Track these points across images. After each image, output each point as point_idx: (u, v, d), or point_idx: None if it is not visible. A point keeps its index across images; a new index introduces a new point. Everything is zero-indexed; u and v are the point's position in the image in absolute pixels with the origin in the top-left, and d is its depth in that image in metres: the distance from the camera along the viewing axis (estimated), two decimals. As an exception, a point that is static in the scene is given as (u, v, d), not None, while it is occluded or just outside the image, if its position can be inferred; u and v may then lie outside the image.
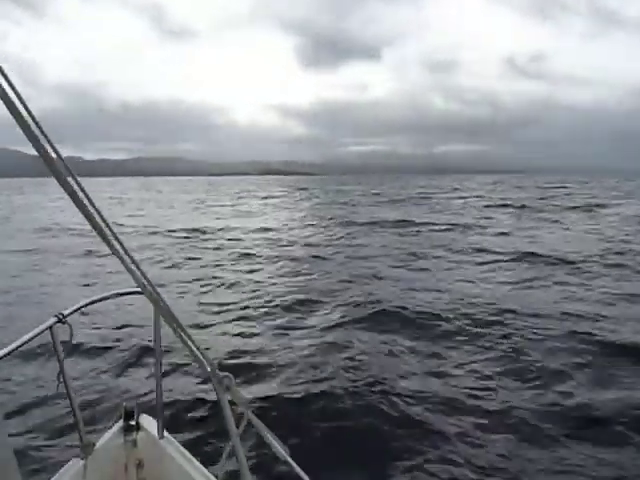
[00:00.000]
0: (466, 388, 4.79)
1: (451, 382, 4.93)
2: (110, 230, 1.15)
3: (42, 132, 0.99)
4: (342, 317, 7.10)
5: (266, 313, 7.52)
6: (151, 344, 2.73)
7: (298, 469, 1.51)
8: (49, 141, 0.99)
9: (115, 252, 1.13)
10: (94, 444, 2.20)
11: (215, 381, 1.41)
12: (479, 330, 6.40)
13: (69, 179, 0.99)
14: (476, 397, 4.61)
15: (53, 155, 0.99)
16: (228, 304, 8.08)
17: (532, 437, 3.95)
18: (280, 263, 12.11)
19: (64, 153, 1.05)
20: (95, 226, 1.05)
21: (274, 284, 9.60)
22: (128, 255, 1.20)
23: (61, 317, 2.00)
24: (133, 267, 1.21)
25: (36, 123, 0.97)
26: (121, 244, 1.17)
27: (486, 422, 4.14)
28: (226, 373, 1.41)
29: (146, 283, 1.27)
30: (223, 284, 9.70)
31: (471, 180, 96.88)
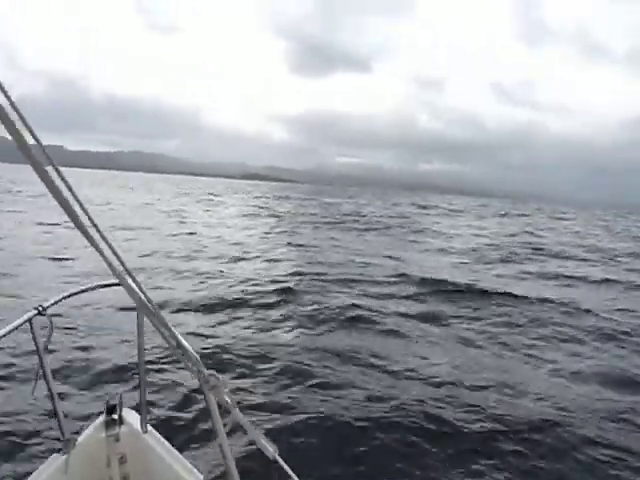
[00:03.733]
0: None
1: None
2: (92, 222, 1.10)
3: (20, 116, 0.94)
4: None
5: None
6: (134, 338, 2.48)
7: (287, 467, 1.49)
8: (27, 126, 0.95)
9: (95, 245, 1.07)
10: (76, 439, 2.16)
11: (201, 379, 1.37)
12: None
13: (48, 168, 0.94)
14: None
15: (32, 141, 0.96)
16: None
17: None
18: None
19: (44, 141, 1.01)
20: (72, 216, 0.98)
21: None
22: (111, 248, 1.14)
23: (41, 309, 1.97)
24: (114, 260, 1.16)
25: (13, 106, 0.92)
26: (101, 233, 1.12)
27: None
28: (212, 371, 1.38)
29: (127, 277, 1.23)
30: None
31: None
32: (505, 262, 15.24)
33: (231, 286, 9.32)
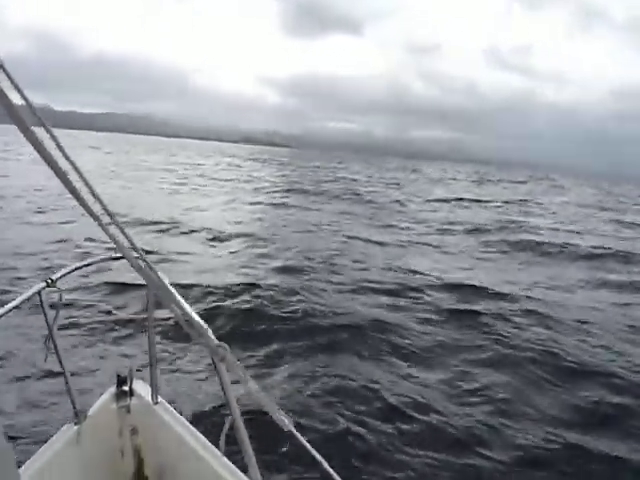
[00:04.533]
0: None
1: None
2: (90, 189, 1.03)
3: (9, 76, 0.87)
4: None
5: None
6: (143, 309, 2.58)
7: (302, 439, 1.46)
8: (15, 84, 0.88)
9: (94, 215, 0.99)
10: (87, 411, 2.18)
11: (210, 350, 1.32)
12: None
13: (37, 128, 0.86)
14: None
15: (19, 101, 0.87)
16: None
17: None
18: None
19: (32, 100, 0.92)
20: (67, 183, 0.89)
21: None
22: (112, 218, 1.07)
23: (50, 282, 1.95)
24: (116, 231, 1.09)
25: (1, 66, 0.86)
26: (104, 206, 1.05)
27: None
28: (221, 342, 1.31)
29: (131, 248, 1.16)
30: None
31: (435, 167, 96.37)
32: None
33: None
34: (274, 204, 19.26)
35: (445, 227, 16.62)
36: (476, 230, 16.16)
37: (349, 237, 12.85)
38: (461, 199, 27.30)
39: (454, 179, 51.18)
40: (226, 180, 29.66)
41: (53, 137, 0.95)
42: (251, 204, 18.53)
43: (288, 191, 25.03)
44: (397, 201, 24.65)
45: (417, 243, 13.14)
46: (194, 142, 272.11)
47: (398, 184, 37.56)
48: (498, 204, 26.22)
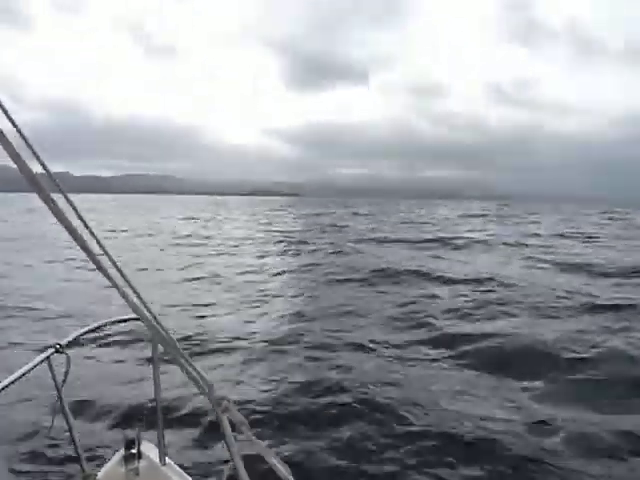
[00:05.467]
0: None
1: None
2: (104, 251, 1.12)
3: (29, 146, 0.97)
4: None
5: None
6: (150, 369, 2.37)
7: None
8: (35, 154, 0.97)
9: (107, 276, 1.06)
10: (96, 475, 2.24)
11: (213, 403, 1.40)
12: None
13: (55, 195, 0.92)
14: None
15: (40, 170, 0.95)
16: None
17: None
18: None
19: (52, 169, 1.06)
20: (84, 247, 0.97)
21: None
22: (125, 279, 1.16)
23: (58, 347, 2.05)
24: (129, 292, 1.16)
25: (23, 137, 0.95)
26: (118, 268, 1.16)
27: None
28: (224, 395, 1.41)
29: (143, 309, 1.24)
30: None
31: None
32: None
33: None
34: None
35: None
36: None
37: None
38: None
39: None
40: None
41: (69, 202, 1.04)
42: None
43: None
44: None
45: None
46: (211, 198, 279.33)
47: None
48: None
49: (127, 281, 1.16)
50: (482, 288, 11.18)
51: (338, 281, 12.65)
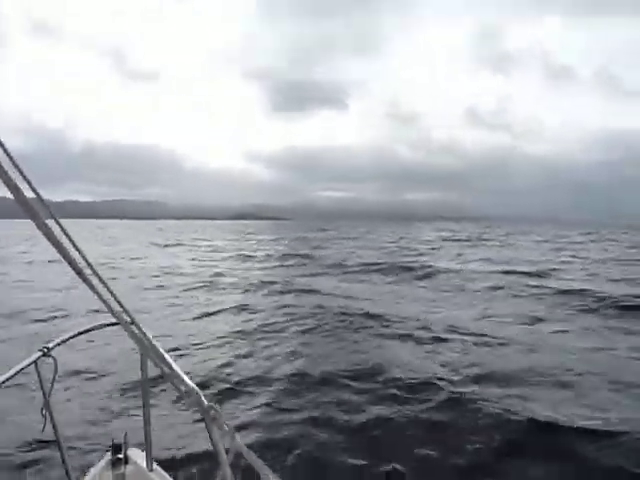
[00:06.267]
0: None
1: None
2: (87, 263, 1.14)
3: (20, 171, 0.98)
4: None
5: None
6: (138, 375, 2.28)
7: None
8: (28, 181, 0.99)
9: (91, 287, 1.12)
10: (83, 478, 2.22)
11: (201, 411, 1.40)
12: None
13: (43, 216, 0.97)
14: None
15: (31, 194, 0.99)
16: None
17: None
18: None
19: (28, 194, 1.03)
20: (72, 263, 1.04)
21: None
22: (108, 289, 1.20)
23: (45, 350, 2.01)
24: (112, 300, 1.22)
25: (12, 161, 0.96)
26: (104, 284, 1.18)
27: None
28: (212, 403, 1.40)
29: (126, 316, 1.27)
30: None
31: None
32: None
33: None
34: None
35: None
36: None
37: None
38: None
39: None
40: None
41: (58, 223, 1.07)
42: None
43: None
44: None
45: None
46: (192, 222, 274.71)
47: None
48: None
49: (112, 294, 1.20)
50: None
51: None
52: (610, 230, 78.47)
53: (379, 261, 23.04)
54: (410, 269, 19.62)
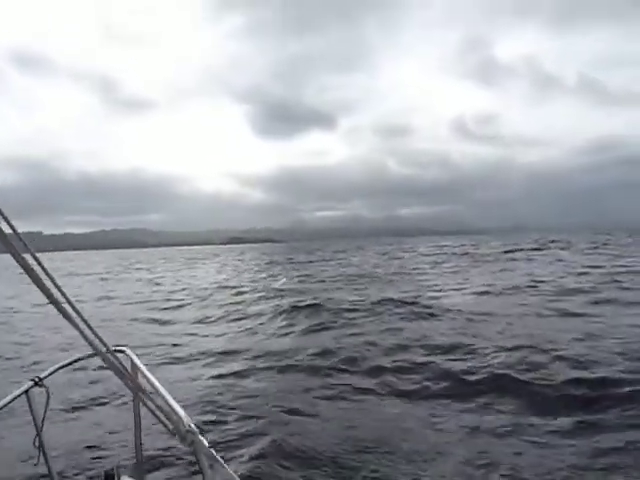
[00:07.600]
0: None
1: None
2: (68, 301, 1.22)
3: None
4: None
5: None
6: (129, 403, 2.60)
7: None
8: (4, 217, 1.01)
9: (68, 318, 1.17)
10: None
11: (179, 437, 1.43)
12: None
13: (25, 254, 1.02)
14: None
15: (8, 231, 1.01)
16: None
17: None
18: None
19: (19, 229, 1.05)
20: (51, 298, 1.09)
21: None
22: (88, 326, 1.27)
23: (37, 380, 2.03)
24: (92, 337, 1.28)
25: None
26: (83, 319, 1.25)
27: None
28: (191, 427, 1.42)
29: (105, 351, 1.34)
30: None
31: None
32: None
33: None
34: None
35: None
36: None
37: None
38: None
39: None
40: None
41: (36, 260, 1.13)
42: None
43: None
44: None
45: None
46: (188, 248, 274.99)
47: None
48: None
49: (92, 329, 1.27)
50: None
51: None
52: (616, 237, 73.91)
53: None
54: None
